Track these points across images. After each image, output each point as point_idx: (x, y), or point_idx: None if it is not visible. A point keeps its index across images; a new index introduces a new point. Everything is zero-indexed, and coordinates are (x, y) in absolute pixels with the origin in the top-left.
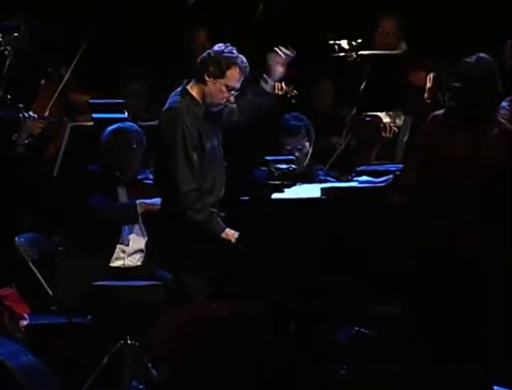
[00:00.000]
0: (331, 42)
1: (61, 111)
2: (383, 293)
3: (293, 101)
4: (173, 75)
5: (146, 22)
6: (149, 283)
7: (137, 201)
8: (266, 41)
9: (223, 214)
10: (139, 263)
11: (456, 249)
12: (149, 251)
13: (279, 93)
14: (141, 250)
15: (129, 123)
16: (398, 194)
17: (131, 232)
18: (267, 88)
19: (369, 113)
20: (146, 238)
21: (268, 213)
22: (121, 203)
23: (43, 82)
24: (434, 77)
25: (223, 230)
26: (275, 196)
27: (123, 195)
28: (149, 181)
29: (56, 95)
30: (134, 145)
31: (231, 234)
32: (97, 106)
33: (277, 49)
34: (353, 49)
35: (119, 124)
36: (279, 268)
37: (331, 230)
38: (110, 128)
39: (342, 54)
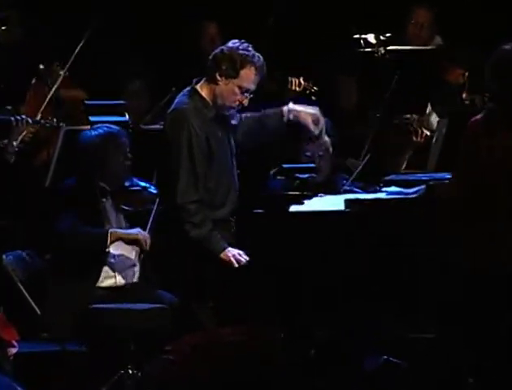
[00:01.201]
0: (357, 36)
1: (54, 114)
2: (415, 317)
3: (313, 97)
4: (177, 74)
5: (146, 20)
6: (152, 306)
7: (110, 230)
8: (280, 35)
9: (233, 220)
10: (134, 280)
11: (496, 254)
12: (145, 267)
13: (297, 89)
14: (133, 265)
15: (115, 126)
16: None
17: (119, 245)
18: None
19: (398, 115)
20: (138, 249)
21: (285, 227)
22: (91, 230)
23: (34, 81)
24: None
25: (223, 250)
26: (293, 208)
27: (109, 207)
28: (137, 188)
29: (49, 96)
30: (126, 152)
31: (231, 255)
32: (94, 107)
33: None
34: (381, 43)
35: (106, 128)
36: (297, 289)
37: (356, 247)
38: (94, 133)
39: (369, 49)
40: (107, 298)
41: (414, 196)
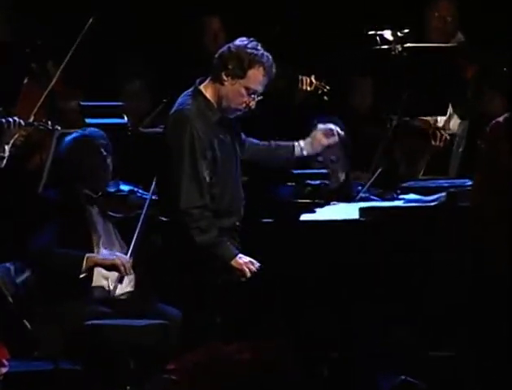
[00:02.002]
0: (372, 32)
1: (48, 116)
2: (434, 334)
3: (325, 97)
4: (178, 74)
5: (146, 20)
6: (152, 322)
7: (86, 255)
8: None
9: (238, 224)
10: (129, 289)
11: None
12: (141, 275)
13: (308, 88)
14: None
15: (91, 129)
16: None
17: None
18: (297, 152)
19: (416, 117)
20: (130, 253)
21: (296, 237)
22: (67, 251)
23: (26, 81)
24: None
25: (235, 256)
26: (304, 217)
27: (96, 215)
28: (124, 193)
29: (43, 97)
30: (104, 154)
31: (243, 262)
32: (91, 109)
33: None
34: (398, 40)
35: (80, 132)
36: (309, 303)
37: (371, 258)
38: (68, 139)
39: (385, 46)
40: (102, 313)
41: (433, 204)
